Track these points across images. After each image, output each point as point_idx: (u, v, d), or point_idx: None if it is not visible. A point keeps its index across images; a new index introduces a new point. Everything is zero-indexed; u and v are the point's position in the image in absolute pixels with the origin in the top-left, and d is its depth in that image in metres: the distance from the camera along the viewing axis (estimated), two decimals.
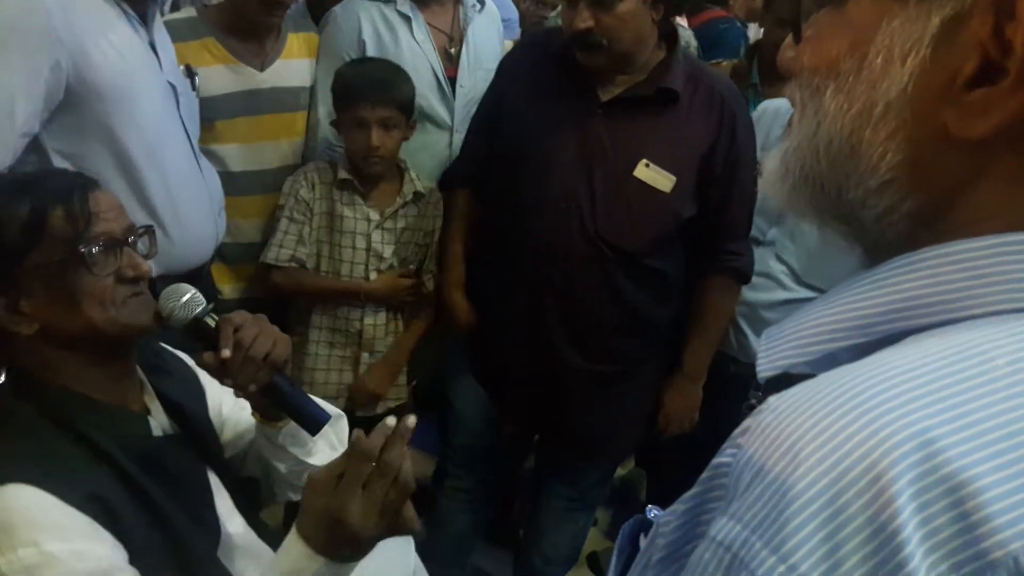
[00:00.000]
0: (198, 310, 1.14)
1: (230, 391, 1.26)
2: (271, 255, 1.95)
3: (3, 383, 1.10)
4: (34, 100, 1.49)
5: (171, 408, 1.22)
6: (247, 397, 1.18)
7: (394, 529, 1.01)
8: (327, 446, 1.30)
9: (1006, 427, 0.38)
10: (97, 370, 1.10)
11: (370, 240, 1.98)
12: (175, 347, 1.34)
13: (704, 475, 0.46)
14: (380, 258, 2.00)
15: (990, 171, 0.46)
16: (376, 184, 1.98)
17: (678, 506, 0.47)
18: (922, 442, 0.37)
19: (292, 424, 1.23)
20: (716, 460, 0.45)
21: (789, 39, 0.55)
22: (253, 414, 1.26)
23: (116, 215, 1.12)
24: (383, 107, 1.87)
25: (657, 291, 1.84)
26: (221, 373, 1.13)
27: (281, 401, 1.18)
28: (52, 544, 0.95)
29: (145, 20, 1.67)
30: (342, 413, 1.34)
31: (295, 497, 1.29)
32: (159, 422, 1.18)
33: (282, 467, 1.29)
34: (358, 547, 1.02)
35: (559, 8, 2.70)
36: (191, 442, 1.22)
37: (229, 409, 1.34)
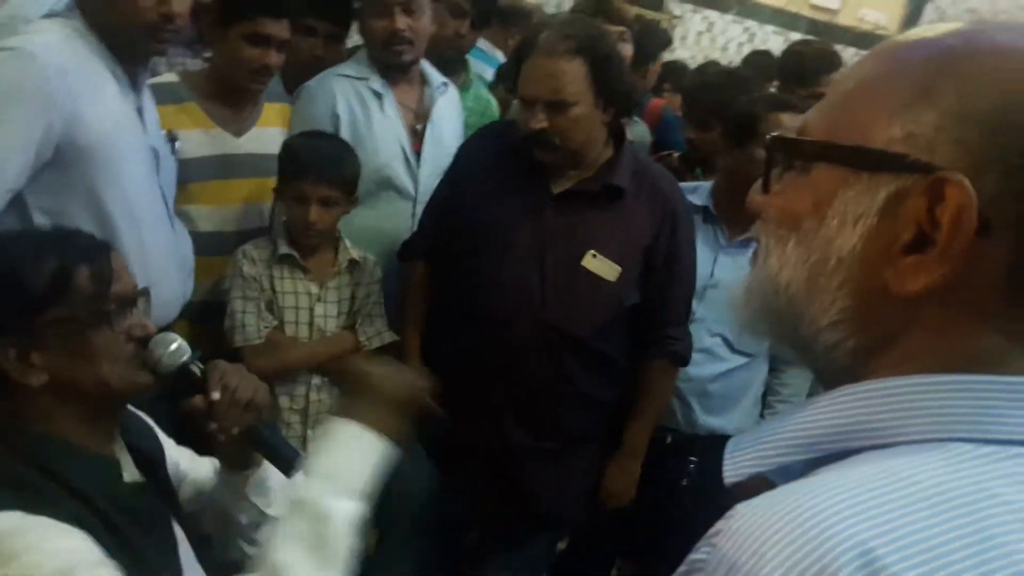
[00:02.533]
0: (185, 357, 1.18)
1: (186, 451, 1.32)
2: (238, 338, 1.94)
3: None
4: (24, 158, 1.52)
5: (138, 457, 1.24)
6: (226, 442, 1.22)
7: (409, 401, 1.16)
8: (284, 498, 1.33)
9: (928, 541, 0.46)
10: (87, 420, 1.12)
11: (312, 314, 2.01)
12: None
13: (681, 569, 0.53)
14: (323, 332, 2.02)
15: (920, 321, 0.55)
16: (313, 254, 2.01)
17: None
18: (862, 551, 0.45)
19: (258, 474, 1.29)
20: (692, 556, 0.52)
21: (758, 184, 0.68)
22: (220, 465, 1.29)
23: (128, 276, 1.17)
24: (325, 185, 1.91)
25: (602, 372, 1.94)
26: (207, 416, 1.18)
27: (260, 443, 1.24)
28: (44, 542, 0.97)
29: (135, 84, 1.72)
30: None
31: (250, 551, 1.34)
32: (128, 470, 1.21)
33: (243, 518, 1.32)
34: (383, 406, 1.12)
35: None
36: (157, 491, 1.24)
37: (187, 466, 1.37)
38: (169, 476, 1.33)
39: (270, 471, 1.31)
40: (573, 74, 1.73)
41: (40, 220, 1.60)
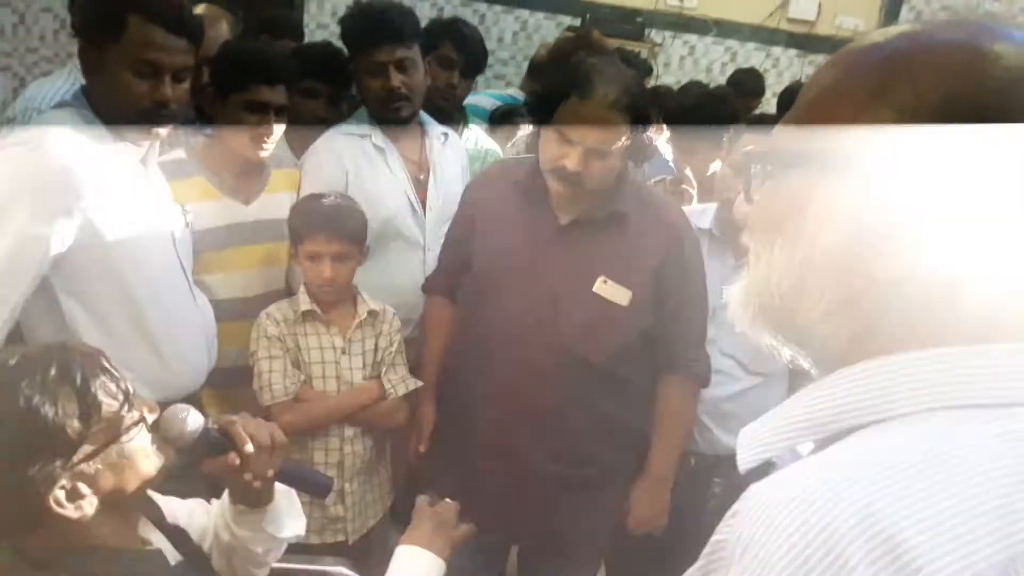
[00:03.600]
0: (201, 423, 1.20)
1: (174, 500, 1.34)
2: (267, 398, 1.97)
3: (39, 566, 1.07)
4: (46, 245, 1.57)
5: (170, 533, 1.25)
6: (262, 486, 1.26)
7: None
8: (291, 520, 1.39)
9: (927, 499, 0.49)
10: (118, 518, 1.12)
11: (339, 367, 2.05)
12: None
13: (706, 550, 0.57)
14: (350, 384, 2.05)
15: (906, 301, 0.59)
16: (334, 308, 2.05)
17: None
18: (865, 513, 0.49)
19: (273, 506, 1.31)
20: (714, 537, 0.57)
21: (742, 196, 0.73)
22: (236, 507, 1.30)
23: (116, 369, 1.13)
24: (337, 241, 1.96)
25: (621, 398, 1.94)
26: (241, 470, 1.21)
27: (292, 478, 1.32)
28: None
29: (145, 164, 1.78)
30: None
31: (260, 574, 1.40)
32: (168, 552, 1.21)
33: (259, 548, 1.35)
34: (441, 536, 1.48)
35: (515, 139, 2.93)
36: (195, 562, 1.27)
37: (185, 517, 1.37)
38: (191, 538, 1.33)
39: (279, 499, 1.34)
40: (621, 129, 1.77)
41: (67, 302, 1.65)
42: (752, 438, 0.64)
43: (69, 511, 1.04)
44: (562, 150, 1.79)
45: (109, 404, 1.07)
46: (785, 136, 0.66)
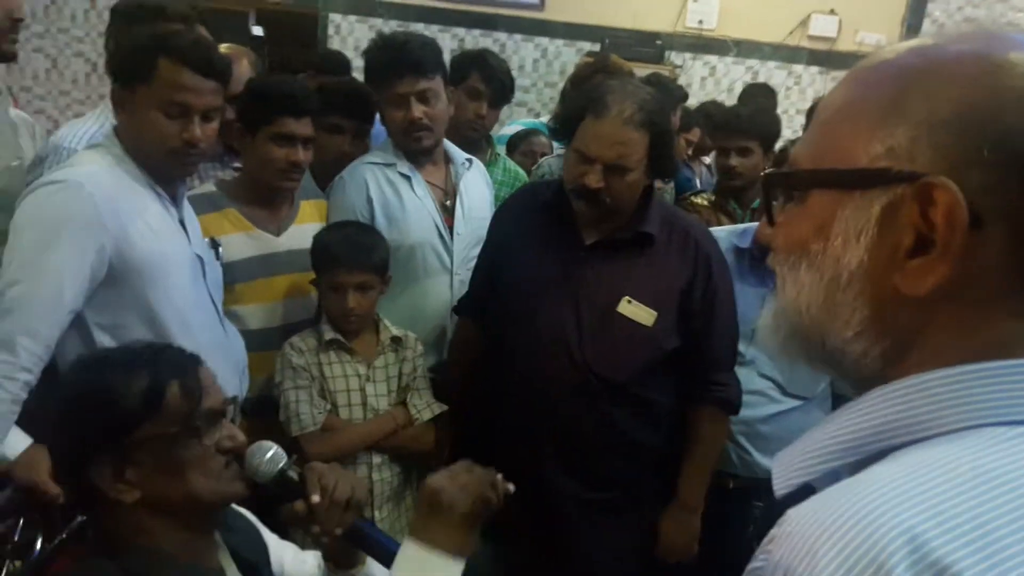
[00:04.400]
0: (282, 463, 1.20)
1: (290, 547, 1.32)
2: (295, 428, 1.98)
3: (89, 543, 1.12)
4: (81, 281, 1.61)
5: (244, 566, 1.24)
6: (330, 543, 1.23)
7: (479, 512, 1.20)
8: None
9: (974, 520, 0.48)
10: (184, 532, 1.14)
11: (364, 394, 2.05)
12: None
13: None
14: (376, 411, 2.07)
15: (937, 319, 0.58)
16: (357, 336, 2.07)
17: None
18: (910, 538, 0.47)
19: (364, 571, 1.29)
20: (750, 566, 0.55)
21: (764, 219, 0.73)
22: (327, 564, 1.29)
23: (216, 389, 1.18)
24: (359, 272, 1.98)
25: (647, 419, 1.93)
26: (309, 520, 1.19)
27: (362, 540, 1.24)
28: None
29: (175, 200, 1.82)
30: None
31: None
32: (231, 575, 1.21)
33: None
34: (454, 526, 1.17)
35: (540, 161, 2.95)
36: None
37: (291, 563, 1.37)
38: None
39: (375, 565, 1.31)
40: (639, 144, 1.79)
41: (99, 336, 1.68)
42: (788, 461, 0.63)
43: (107, 486, 1.08)
44: (582, 169, 1.82)
45: (178, 404, 1.10)
46: (804, 156, 0.66)
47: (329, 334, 2.03)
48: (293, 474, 1.21)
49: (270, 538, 1.37)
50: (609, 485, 1.95)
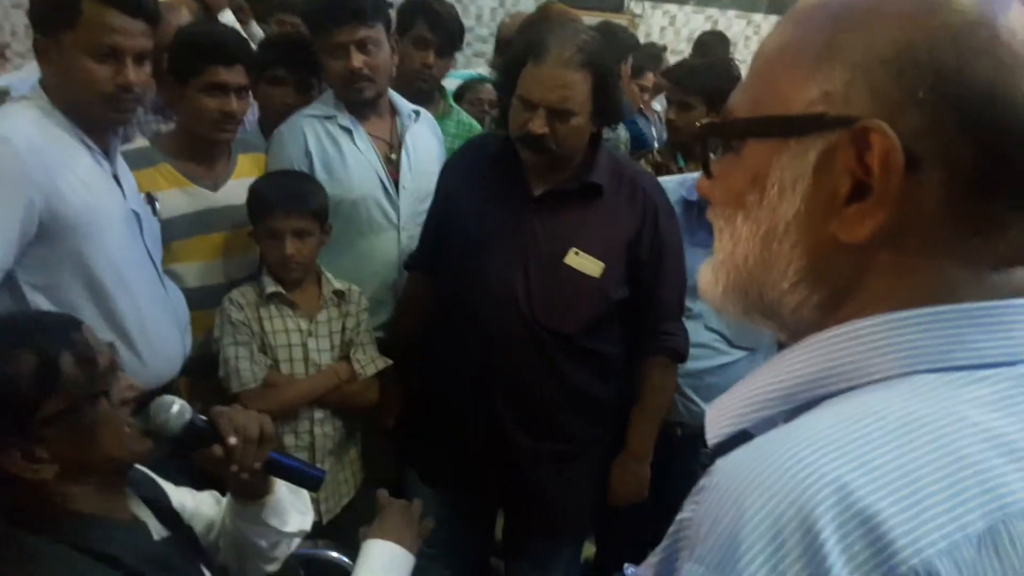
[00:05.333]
0: (188, 415, 1.21)
1: (186, 490, 1.37)
2: (235, 385, 1.96)
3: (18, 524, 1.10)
4: (9, 239, 1.56)
5: (162, 513, 1.27)
6: (249, 479, 1.27)
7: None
8: (297, 513, 1.41)
9: (900, 469, 0.48)
10: (102, 493, 1.15)
11: (306, 349, 2.03)
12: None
13: (671, 528, 0.55)
14: (318, 366, 2.04)
15: (875, 265, 0.57)
16: (298, 288, 2.04)
17: (651, 558, 0.57)
18: (837, 487, 0.47)
19: (273, 498, 1.33)
20: (679, 516, 0.54)
21: (701, 174, 0.71)
22: (235, 499, 1.33)
23: (99, 343, 1.16)
24: (296, 217, 1.95)
25: (596, 371, 1.94)
26: (227, 462, 1.23)
27: (281, 471, 1.30)
28: None
29: (108, 153, 1.76)
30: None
31: (270, 569, 1.42)
32: (154, 527, 1.23)
33: (263, 542, 1.37)
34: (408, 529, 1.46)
35: (493, 113, 2.91)
36: (184, 541, 1.28)
37: (192, 506, 1.40)
38: (188, 523, 1.35)
39: (283, 492, 1.35)
40: (581, 86, 1.76)
41: (32, 296, 1.63)
42: (722, 409, 0.62)
43: (22, 471, 1.06)
44: (525, 116, 1.80)
45: (76, 374, 1.08)
46: (740, 105, 0.64)
47: (270, 287, 2.00)
48: (200, 422, 1.23)
49: (167, 486, 1.38)
50: (561, 436, 1.96)
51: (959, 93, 0.53)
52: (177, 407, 1.21)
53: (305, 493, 1.43)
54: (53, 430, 1.07)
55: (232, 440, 1.21)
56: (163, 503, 1.30)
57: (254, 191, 2.01)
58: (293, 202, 1.95)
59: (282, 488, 1.36)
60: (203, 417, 1.24)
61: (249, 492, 1.32)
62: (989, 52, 0.53)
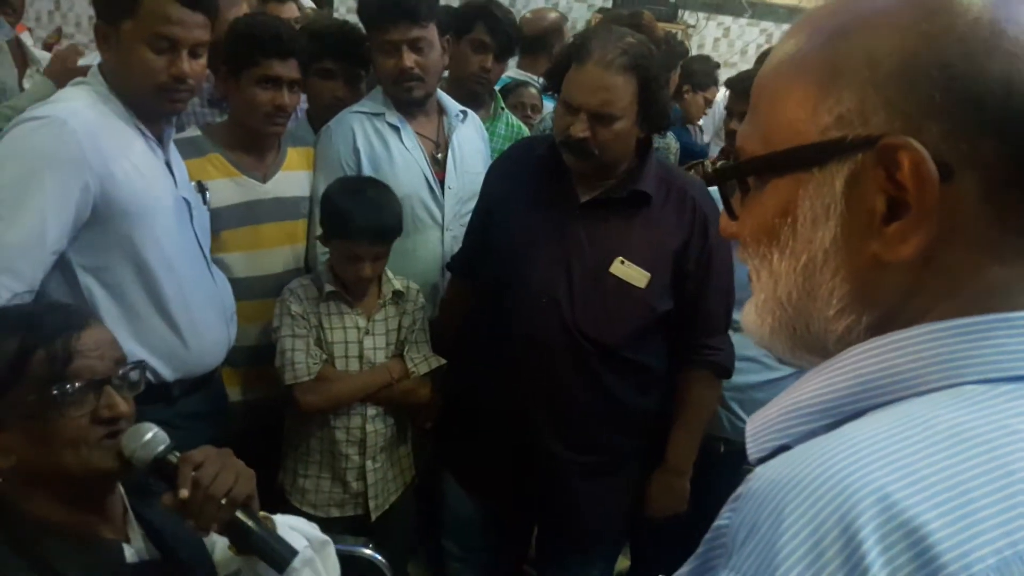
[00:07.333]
0: (159, 449, 1.12)
1: None
2: (289, 376, 1.96)
3: None
4: (64, 220, 1.58)
5: (153, 534, 1.19)
6: (220, 532, 1.16)
7: None
8: (311, 573, 1.22)
9: (948, 480, 0.46)
10: (67, 504, 1.10)
11: (362, 347, 2.04)
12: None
13: (707, 536, 0.54)
14: (372, 364, 2.05)
15: (920, 280, 0.55)
16: (360, 290, 2.05)
17: (685, 567, 0.56)
18: (880, 497, 0.45)
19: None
20: (716, 523, 0.53)
21: (724, 214, 0.69)
22: (229, 547, 1.20)
23: (103, 352, 1.12)
24: (380, 245, 1.97)
25: (638, 382, 1.90)
26: (182, 513, 1.11)
27: (244, 539, 1.14)
28: None
29: (161, 141, 1.79)
30: (327, 539, 1.32)
31: None
32: (136, 548, 1.16)
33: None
34: None
35: (543, 115, 2.90)
36: (171, 568, 1.19)
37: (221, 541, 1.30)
38: (202, 542, 1.27)
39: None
40: (624, 90, 1.73)
41: (84, 278, 1.66)
42: (762, 424, 0.60)
43: None
44: (568, 120, 1.77)
45: (40, 372, 1.06)
46: (751, 142, 0.62)
47: (330, 286, 2.01)
48: (172, 459, 1.12)
49: None
50: (598, 448, 1.93)
51: (976, 91, 0.52)
52: (148, 438, 1.11)
53: (329, 551, 1.30)
54: (14, 420, 1.06)
55: (184, 493, 1.09)
56: (170, 530, 1.20)
57: (336, 207, 1.97)
58: (380, 233, 1.96)
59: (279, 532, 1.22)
60: (176, 455, 1.13)
61: (234, 543, 1.19)
62: (998, 46, 0.52)
